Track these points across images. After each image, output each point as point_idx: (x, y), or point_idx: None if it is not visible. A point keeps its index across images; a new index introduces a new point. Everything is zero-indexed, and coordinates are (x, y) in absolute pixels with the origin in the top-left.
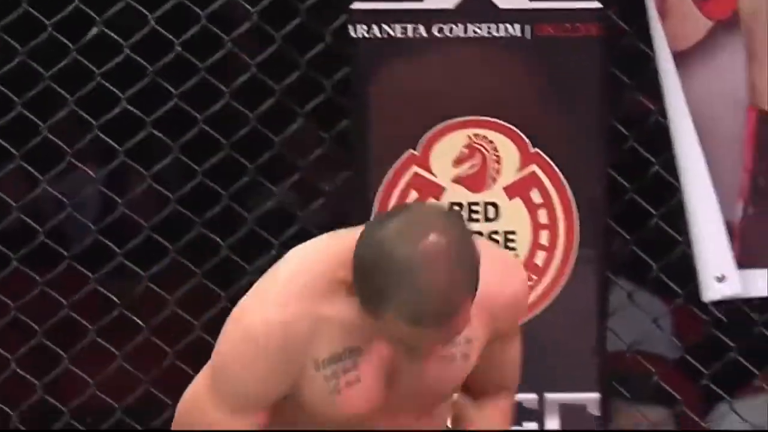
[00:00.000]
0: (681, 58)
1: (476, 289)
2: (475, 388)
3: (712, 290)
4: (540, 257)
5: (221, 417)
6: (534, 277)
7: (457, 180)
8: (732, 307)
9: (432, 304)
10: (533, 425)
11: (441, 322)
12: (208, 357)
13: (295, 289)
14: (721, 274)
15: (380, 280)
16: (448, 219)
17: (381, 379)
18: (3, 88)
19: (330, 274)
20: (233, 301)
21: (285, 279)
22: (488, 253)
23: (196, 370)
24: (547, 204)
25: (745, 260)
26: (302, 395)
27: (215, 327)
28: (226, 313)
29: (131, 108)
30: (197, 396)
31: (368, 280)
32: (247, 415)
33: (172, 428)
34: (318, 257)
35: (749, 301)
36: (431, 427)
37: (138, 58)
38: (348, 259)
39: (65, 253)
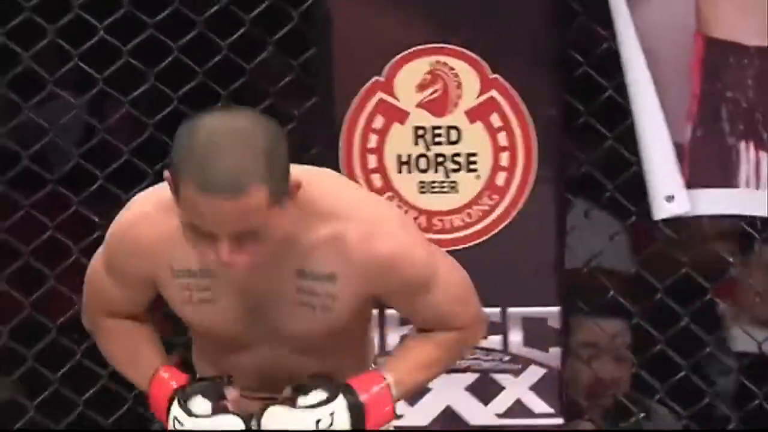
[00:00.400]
0: None
1: (278, 181)
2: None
3: (662, 209)
4: (501, 178)
5: (102, 275)
6: (495, 196)
7: (421, 105)
8: (684, 224)
9: (214, 171)
10: (498, 338)
11: (223, 193)
12: None
13: (159, 200)
14: (670, 194)
15: (178, 151)
16: (259, 118)
17: (237, 307)
18: None
19: None
20: None
21: (157, 190)
22: (373, 217)
23: None
24: (507, 127)
25: (693, 180)
26: (164, 294)
27: None
28: None
29: (109, 38)
30: (96, 265)
31: (173, 155)
32: (121, 282)
33: (84, 292)
34: None
35: (700, 219)
36: (318, 367)
37: None
38: None
39: (49, 177)
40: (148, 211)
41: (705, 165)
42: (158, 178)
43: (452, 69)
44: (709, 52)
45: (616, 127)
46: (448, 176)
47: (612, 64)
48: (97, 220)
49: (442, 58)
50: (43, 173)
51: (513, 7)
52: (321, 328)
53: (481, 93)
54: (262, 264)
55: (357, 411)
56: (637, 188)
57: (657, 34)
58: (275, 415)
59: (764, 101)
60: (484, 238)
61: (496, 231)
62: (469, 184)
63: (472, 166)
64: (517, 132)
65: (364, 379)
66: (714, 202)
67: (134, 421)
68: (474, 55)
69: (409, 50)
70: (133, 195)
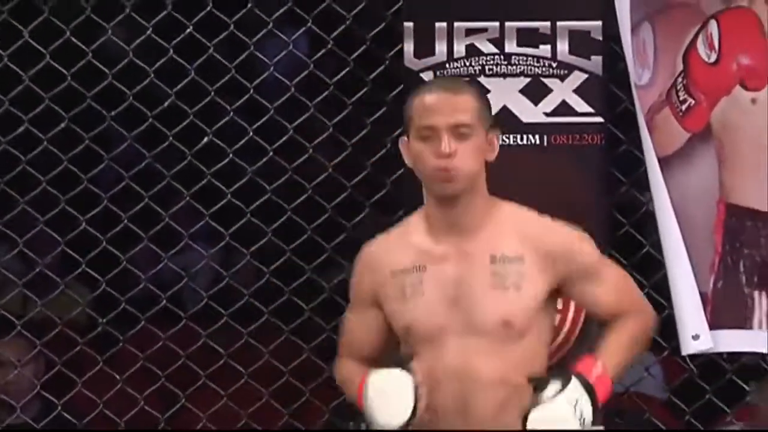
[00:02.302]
0: (665, 162)
1: (484, 109)
2: (599, 320)
3: (689, 346)
4: (556, 318)
5: (349, 316)
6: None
7: None
8: (706, 359)
9: (441, 81)
10: None
11: (443, 91)
12: (297, 398)
13: (376, 239)
14: (696, 334)
15: (408, 105)
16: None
17: (442, 298)
18: (136, 186)
19: (411, 222)
20: (315, 352)
21: None
22: (548, 220)
23: (286, 407)
24: None
25: (715, 323)
26: (383, 300)
27: (301, 374)
28: (308, 362)
29: (235, 201)
30: (347, 314)
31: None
32: (360, 310)
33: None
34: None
35: (721, 354)
36: (498, 365)
37: (240, 162)
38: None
39: (182, 315)
40: (371, 242)
41: (725, 310)
42: (275, 315)
43: None
44: (730, 216)
45: (653, 277)
46: None
47: (649, 225)
48: (223, 351)
49: None
50: (178, 312)
51: (568, 176)
52: (512, 308)
53: None
54: (460, 247)
55: (591, 391)
56: (669, 328)
57: (687, 201)
58: (539, 416)
59: None
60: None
61: (550, 363)
62: None
63: None
64: None
65: (583, 364)
66: (732, 341)
67: None
68: None
69: None
70: (253, 333)
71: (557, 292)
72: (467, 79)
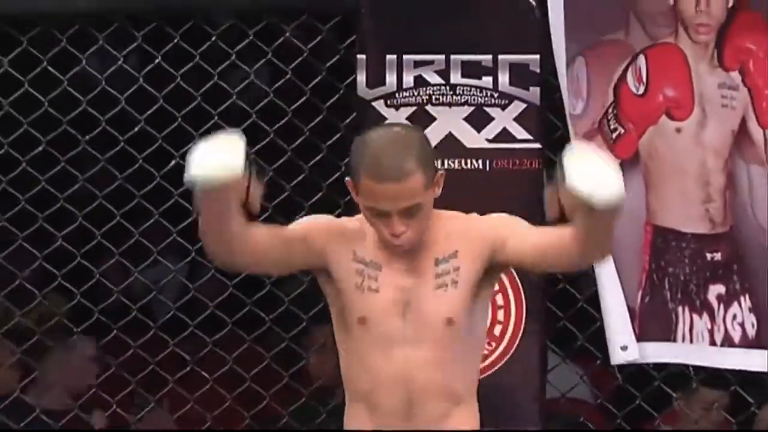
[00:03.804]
0: None
1: (429, 170)
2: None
3: (618, 356)
4: (498, 329)
5: (286, 239)
6: (493, 344)
7: None
8: (636, 368)
9: (386, 162)
10: None
11: (393, 178)
12: (258, 402)
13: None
14: (624, 345)
15: (355, 159)
16: (410, 127)
17: (394, 299)
18: (108, 205)
19: (363, 220)
20: (275, 359)
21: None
22: (475, 215)
23: (248, 410)
24: (503, 291)
25: (642, 335)
26: (335, 273)
27: (262, 380)
28: (268, 368)
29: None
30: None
31: (350, 164)
32: (292, 236)
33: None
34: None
35: (649, 364)
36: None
37: None
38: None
39: (152, 324)
40: (347, 218)
41: (651, 324)
42: (238, 324)
43: None
44: (656, 237)
45: (586, 293)
46: None
47: None
48: (189, 358)
49: None
50: (148, 322)
51: (508, 198)
52: (454, 304)
53: None
54: (412, 249)
55: None
56: (600, 339)
57: (617, 222)
58: (576, 151)
59: (697, 275)
60: (484, 375)
61: (493, 370)
62: None
63: None
64: (511, 294)
65: None
66: (658, 352)
67: None
68: None
69: None
70: (217, 342)
71: (495, 272)
72: (414, 108)
